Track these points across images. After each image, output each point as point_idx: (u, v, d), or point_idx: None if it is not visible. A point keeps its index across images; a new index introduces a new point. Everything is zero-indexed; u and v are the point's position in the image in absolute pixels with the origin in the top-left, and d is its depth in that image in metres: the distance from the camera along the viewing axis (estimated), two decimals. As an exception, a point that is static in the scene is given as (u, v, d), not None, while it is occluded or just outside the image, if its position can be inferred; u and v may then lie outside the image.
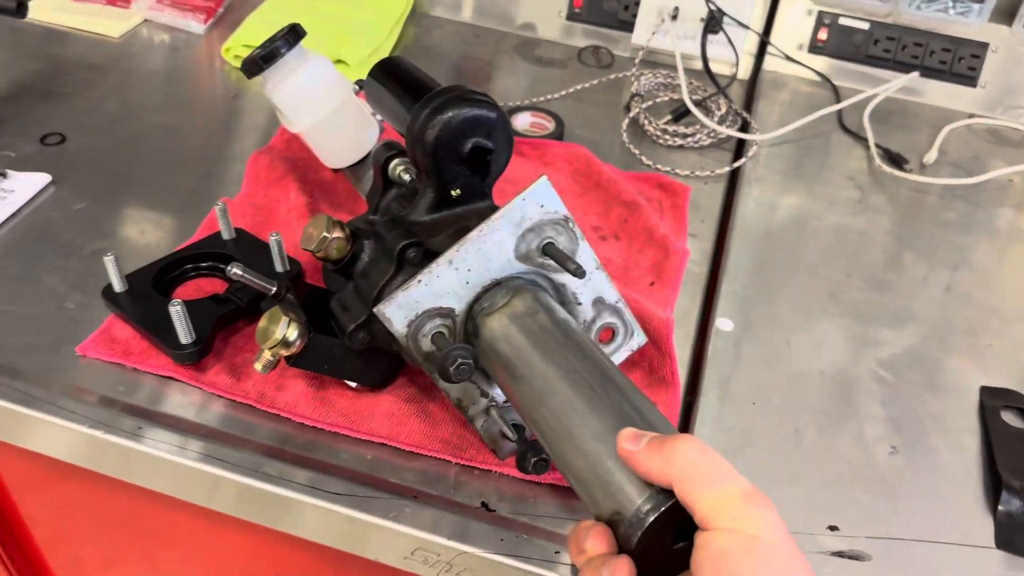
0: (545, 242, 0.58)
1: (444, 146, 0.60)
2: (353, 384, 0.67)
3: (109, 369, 0.68)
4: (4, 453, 0.84)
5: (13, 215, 0.82)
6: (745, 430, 0.68)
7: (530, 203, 0.56)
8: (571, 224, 0.59)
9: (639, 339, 0.66)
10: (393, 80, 0.69)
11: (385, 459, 0.63)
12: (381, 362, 0.66)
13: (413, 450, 0.64)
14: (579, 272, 0.55)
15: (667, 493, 0.42)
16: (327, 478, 0.62)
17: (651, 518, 0.42)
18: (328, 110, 0.72)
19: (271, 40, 0.72)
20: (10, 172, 0.86)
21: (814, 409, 0.70)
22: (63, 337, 0.70)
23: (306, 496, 0.61)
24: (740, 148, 1.03)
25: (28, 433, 0.67)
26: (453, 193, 0.62)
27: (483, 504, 0.61)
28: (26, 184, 0.85)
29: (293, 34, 0.72)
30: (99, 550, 0.96)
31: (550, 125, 1.01)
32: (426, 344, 0.58)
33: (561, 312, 0.57)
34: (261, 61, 0.71)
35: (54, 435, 0.66)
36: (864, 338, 0.77)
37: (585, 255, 0.60)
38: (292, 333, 0.60)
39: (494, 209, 0.63)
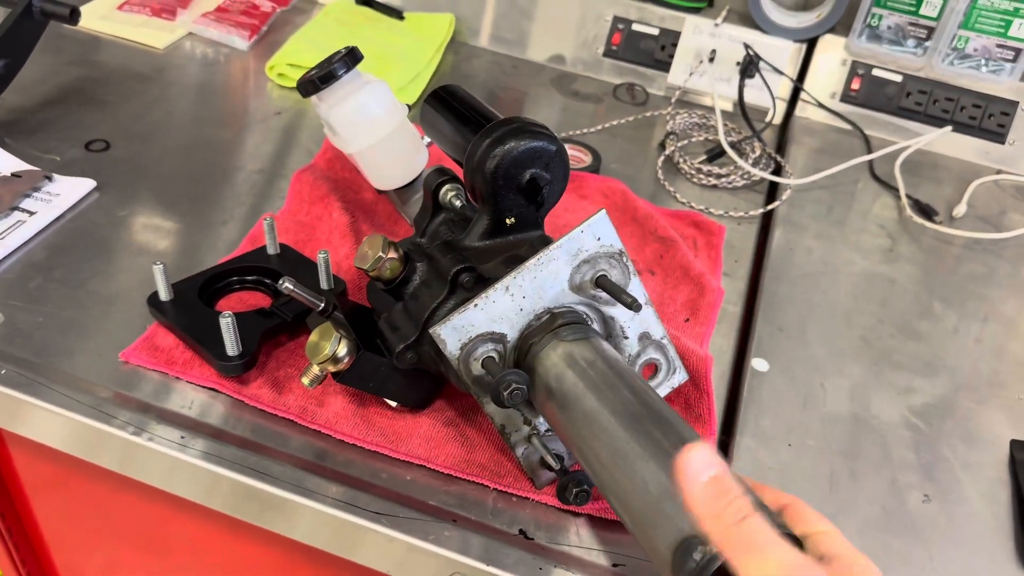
0: (599, 274, 0.59)
1: (503, 175, 0.61)
2: (393, 404, 0.68)
3: (150, 376, 0.68)
4: (27, 457, 0.85)
5: (58, 218, 0.82)
6: (781, 471, 0.68)
7: (588, 235, 0.57)
8: (625, 258, 0.59)
9: (681, 376, 0.67)
10: (450, 108, 0.70)
11: (423, 481, 0.64)
12: (422, 384, 0.67)
13: (451, 473, 0.64)
14: (635, 305, 0.56)
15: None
16: (366, 496, 0.62)
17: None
18: (384, 133, 0.73)
19: (328, 61, 0.74)
20: (56, 176, 0.87)
21: (848, 453, 0.70)
22: (105, 342, 0.71)
23: (345, 513, 0.61)
24: (772, 191, 1.04)
25: (66, 437, 0.67)
26: (508, 221, 0.63)
27: (521, 531, 0.61)
28: (71, 188, 0.86)
29: (351, 57, 0.73)
30: (108, 558, 0.96)
31: (587, 159, 1.02)
32: (476, 368, 0.58)
33: (608, 347, 0.57)
34: (319, 81, 0.72)
35: (93, 440, 0.66)
36: (896, 385, 0.78)
37: (636, 290, 0.61)
38: (342, 349, 0.60)
39: (545, 239, 0.64)
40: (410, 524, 0.61)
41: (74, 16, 0.96)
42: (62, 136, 0.95)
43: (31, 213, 0.81)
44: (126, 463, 0.67)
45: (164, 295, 0.71)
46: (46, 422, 0.67)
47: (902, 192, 1.04)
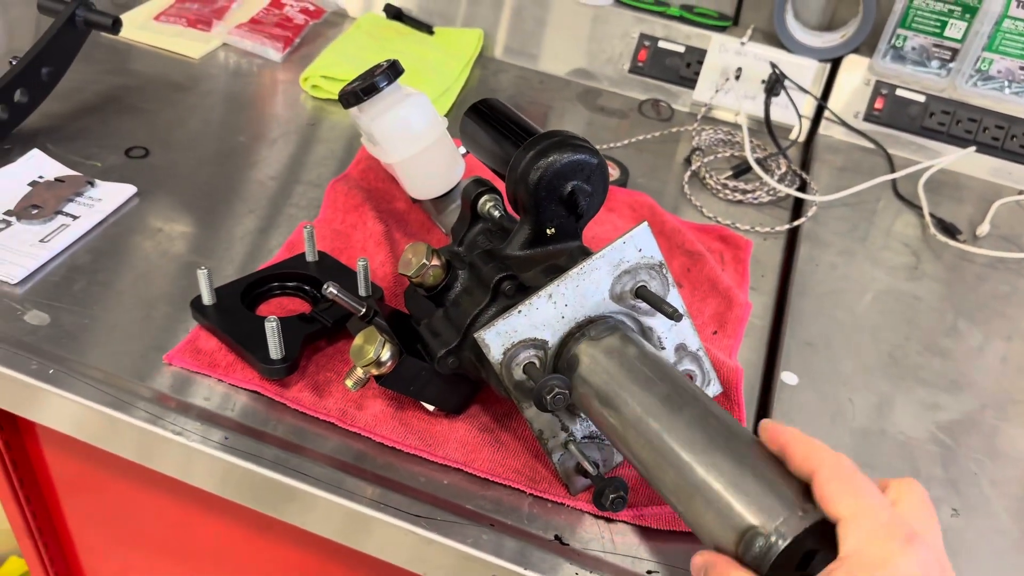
0: (639, 285, 0.60)
1: (546, 187, 0.62)
2: (431, 408, 0.69)
3: (193, 379, 0.70)
4: (62, 455, 0.86)
5: (100, 223, 0.84)
6: (811, 482, 0.69)
7: (630, 246, 0.59)
8: (664, 270, 0.61)
9: (715, 388, 0.68)
10: (489, 121, 0.72)
11: (460, 485, 0.65)
12: (460, 389, 0.68)
13: (487, 478, 0.65)
14: (675, 315, 0.57)
15: (793, 521, 0.44)
16: (404, 498, 0.63)
17: (783, 545, 0.43)
18: (424, 144, 0.75)
19: (370, 74, 0.76)
20: (98, 181, 0.89)
21: (877, 467, 0.71)
22: (148, 344, 0.72)
23: (383, 515, 0.62)
24: (798, 207, 1.06)
25: (113, 436, 0.69)
26: (548, 231, 0.64)
27: (556, 537, 0.62)
28: (113, 194, 0.87)
29: (393, 70, 0.75)
30: (144, 560, 0.97)
31: (615, 172, 1.03)
32: (518, 373, 0.59)
33: (651, 348, 0.59)
34: (361, 93, 0.74)
35: (138, 439, 0.67)
36: (924, 401, 0.79)
37: (675, 301, 0.62)
38: (386, 353, 0.62)
39: (584, 249, 0.65)
40: (448, 527, 0.62)
41: (116, 26, 0.98)
42: (102, 143, 0.96)
43: (74, 217, 0.83)
44: (167, 463, 0.68)
45: (208, 299, 0.72)
46: (90, 421, 0.68)
47: (925, 211, 1.05)
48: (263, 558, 0.84)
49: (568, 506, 0.64)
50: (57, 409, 0.69)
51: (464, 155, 0.83)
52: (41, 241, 0.80)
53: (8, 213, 0.82)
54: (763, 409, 0.76)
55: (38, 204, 0.83)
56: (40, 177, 0.87)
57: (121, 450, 0.69)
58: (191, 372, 0.70)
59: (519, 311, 0.57)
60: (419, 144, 0.75)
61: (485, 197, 0.71)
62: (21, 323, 0.72)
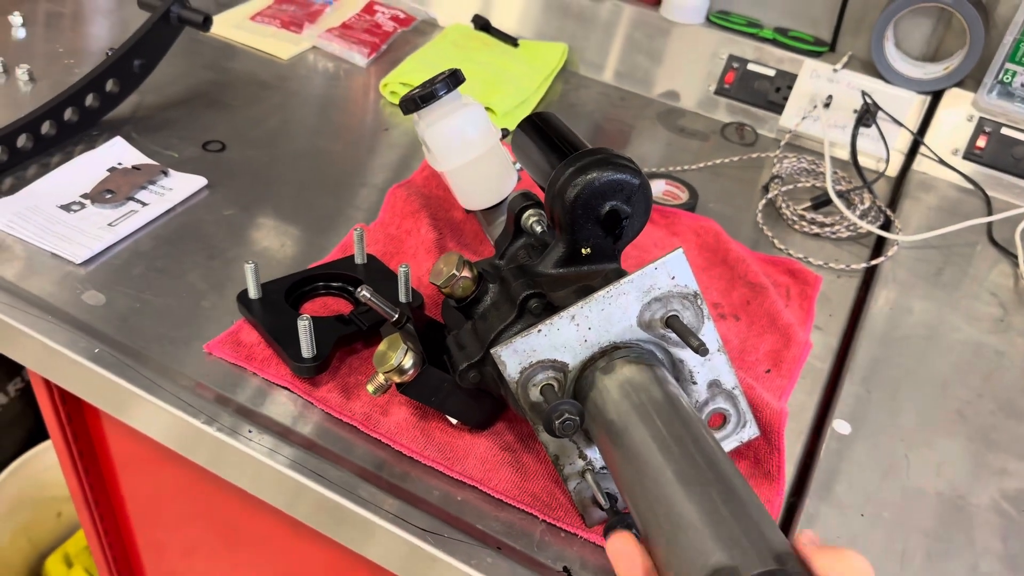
0: (670, 314, 0.57)
1: (583, 205, 0.60)
2: (454, 421, 0.68)
3: (230, 370, 0.71)
4: (118, 432, 0.90)
5: (168, 211, 0.87)
6: (850, 541, 0.64)
7: (662, 273, 0.56)
8: (699, 301, 0.58)
9: (751, 431, 0.64)
10: (541, 134, 0.70)
11: (474, 504, 0.63)
12: (484, 404, 0.67)
13: (502, 498, 0.64)
14: (702, 350, 0.54)
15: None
16: (416, 511, 0.62)
17: None
18: (475, 154, 0.74)
19: (431, 82, 0.75)
20: (171, 171, 0.92)
21: (927, 532, 0.66)
22: (194, 333, 0.74)
23: (393, 526, 0.61)
24: (879, 246, 1.00)
25: (146, 418, 0.71)
26: (583, 251, 0.62)
27: (565, 568, 0.60)
28: (184, 184, 0.90)
29: (453, 79, 0.75)
30: (184, 538, 0.99)
31: (683, 195, 1.00)
32: (534, 394, 0.58)
33: (676, 389, 0.55)
34: (420, 100, 0.74)
35: (168, 423, 0.69)
36: (991, 465, 0.72)
37: (709, 335, 0.59)
38: (407, 361, 0.61)
39: (620, 273, 0.63)
40: (454, 546, 0.60)
41: (207, 23, 1.02)
42: (183, 135, 1.00)
43: (144, 204, 0.86)
44: (195, 450, 0.70)
45: (253, 293, 0.74)
46: (129, 402, 0.70)
47: (1020, 260, 0.97)
48: (293, 556, 0.85)
49: (582, 538, 0.62)
50: (99, 388, 0.71)
51: (519, 169, 0.82)
52: (109, 225, 0.83)
53: (84, 196, 0.86)
54: (809, 457, 0.72)
55: (112, 189, 0.86)
56: (119, 164, 0.91)
57: (151, 432, 0.71)
58: (229, 363, 0.71)
59: (539, 330, 0.56)
60: (470, 154, 0.74)
61: (529, 211, 0.69)
62: (79, 302, 0.75)
